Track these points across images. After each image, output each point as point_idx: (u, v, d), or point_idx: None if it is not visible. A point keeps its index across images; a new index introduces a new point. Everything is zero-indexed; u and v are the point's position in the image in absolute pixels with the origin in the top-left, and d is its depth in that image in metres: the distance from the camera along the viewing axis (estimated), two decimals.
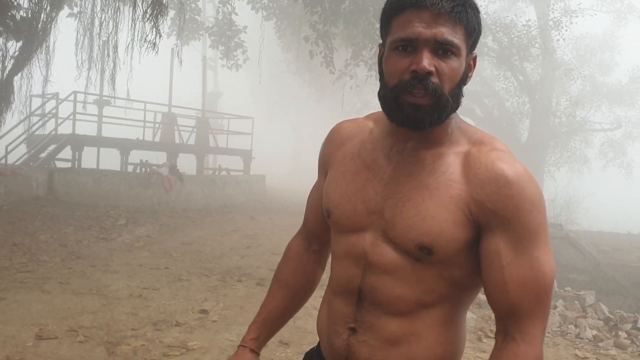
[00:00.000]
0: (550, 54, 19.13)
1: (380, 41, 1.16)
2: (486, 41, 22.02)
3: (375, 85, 21.81)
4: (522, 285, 1.03)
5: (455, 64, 1.05)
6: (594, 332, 6.06)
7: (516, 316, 1.04)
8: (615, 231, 17.24)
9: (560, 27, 18.20)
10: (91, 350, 3.87)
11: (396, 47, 1.06)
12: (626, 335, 6.16)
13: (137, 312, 4.83)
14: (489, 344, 5.20)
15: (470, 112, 24.20)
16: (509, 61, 19.71)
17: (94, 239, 8.20)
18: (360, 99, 24.87)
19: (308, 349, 1.40)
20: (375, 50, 13.75)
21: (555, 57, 20.88)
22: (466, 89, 1.14)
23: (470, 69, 1.11)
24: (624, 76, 26.37)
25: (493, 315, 4.71)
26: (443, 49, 1.04)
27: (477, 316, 5.97)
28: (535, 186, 1.06)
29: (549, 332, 5.80)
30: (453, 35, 1.03)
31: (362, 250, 1.13)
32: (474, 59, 1.12)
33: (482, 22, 1.14)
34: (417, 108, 1.04)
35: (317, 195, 1.36)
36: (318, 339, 1.35)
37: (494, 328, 5.63)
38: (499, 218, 1.04)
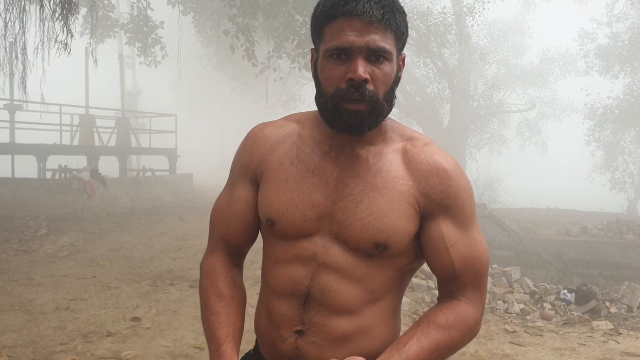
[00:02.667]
0: (465, 39, 19.73)
1: (313, 46, 1.20)
2: None
3: (299, 77, 21.86)
4: (465, 262, 1.15)
5: (388, 69, 1.11)
6: (521, 306, 6.34)
7: (461, 286, 1.17)
8: (535, 207, 18.04)
9: (474, 13, 18.77)
10: None
11: (330, 55, 1.10)
12: (550, 307, 6.48)
13: (66, 326, 4.63)
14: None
15: None
16: (427, 48, 20.17)
17: (14, 251, 7.78)
18: (285, 91, 24.83)
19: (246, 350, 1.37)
20: (298, 41, 13.74)
21: (471, 43, 21.55)
22: None
23: (400, 69, 1.17)
24: (535, 58, 27.55)
25: (425, 298, 4.77)
26: (376, 56, 1.08)
27: (411, 299, 6.10)
28: (466, 175, 1.19)
29: None
30: (384, 41, 1.08)
31: (313, 253, 1.15)
32: (403, 59, 1.19)
33: None
34: (356, 115, 1.09)
35: (238, 207, 1.27)
36: (255, 339, 1.34)
37: (427, 309, 5.81)
38: (442, 207, 1.15)
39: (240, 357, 1.27)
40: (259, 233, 1.32)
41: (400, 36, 1.13)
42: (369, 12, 1.05)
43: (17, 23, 10.46)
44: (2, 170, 13.26)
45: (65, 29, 8.79)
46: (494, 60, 21.74)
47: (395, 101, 1.15)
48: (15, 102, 13.68)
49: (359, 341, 1.15)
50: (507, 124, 26.23)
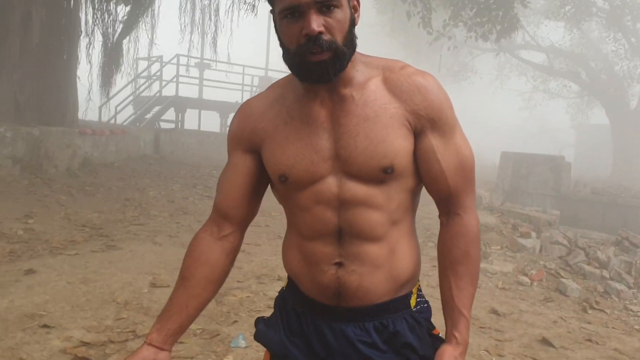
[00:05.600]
0: None
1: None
2: (595, 1, 20.59)
3: (473, 47, 21.10)
4: (455, 169, 1.25)
5: (340, 15, 1.15)
6: None
7: (455, 196, 1.26)
8: None
9: None
10: None
11: (285, 15, 1.16)
12: None
13: (242, 266, 5.02)
14: (594, 315, 5.01)
15: (575, 75, 22.88)
16: (620, 22, 18.34)
17: (199, 196, 8.57)
18: (457, 61, 24.16)
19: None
20: (476, 10, 13.23)
21: None
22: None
23: (355, 10, 1.21)
24: None
25: (598, 287, 4.48)
26: (326, 6, 1.13)
27: (582, 287, 5.74)
28: (443, 88, 1.26)
29: None
30: None
31: (331, 194, 1.22)
32: (358, 0, 1.23)
33: None
34: (320, 64, 1.15)
35: (232, 176, 1.34)
36: (286, 282, 1.43)
37: (599, 299, 5.43)
38: (429, 121, 1.23)
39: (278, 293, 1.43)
40: (258, 209, 1.41)
41: None
42: None
43: None
44: (191, 123, 14.52)
45: None
46: None
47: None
48: (205, 61, 14.83)
49: (390, 263, 1.24)
50: None
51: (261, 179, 1.35)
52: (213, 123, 15.80)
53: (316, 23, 1.12)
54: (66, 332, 3.30)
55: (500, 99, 32.55)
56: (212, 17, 11.32)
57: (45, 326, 3.33)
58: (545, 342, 4.07)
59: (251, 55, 24.81)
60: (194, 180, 9.59)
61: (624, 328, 4.74)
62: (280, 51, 1.21)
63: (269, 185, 1.38)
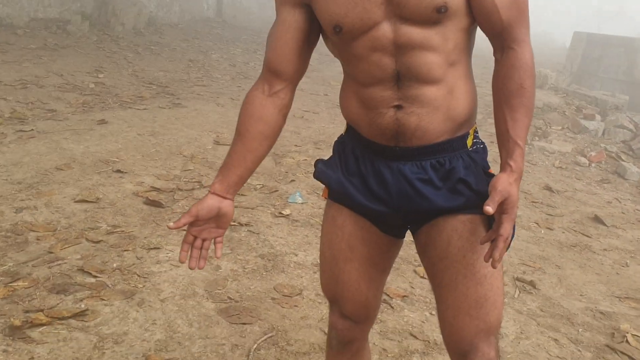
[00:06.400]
0: None
1: None
2: None
3: None
4: (507, 2, 1.22)
5: None
6: None
7: (509, 29, 1.24)
8: None
9: None
10: None
11: None
12: None
13: (300, 132, 5.17)
14: None
15: None
16: None
17: (259, 61, 8.60)
18: None
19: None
20: None
21: None
22: None
23: None
24: None
25: None
26: None
27: None
28: None
29: None
30: None
31: (386, 39, 1.22)
32: None
33: None
34: None
35: (282, 31, 1.34)
36: (345, 128, 1.46)
37: None
38: None
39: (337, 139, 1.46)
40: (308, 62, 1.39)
41: None
42: None
43: None
44: None
45: None
46: None
47: None
48: None
49: (448, 104, 1.26)
50: None
51: (311, 32, 1.35)
52: None
53: None
54: (138, 177, 3.56)
55: None
56: None
57: (118, 171, 3.60)
58: (596, 219, 4.13)
59: None
60: (255, 46, 9.59)
61: None
62: None
63: (322, 38, 1.39)
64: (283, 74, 1.37)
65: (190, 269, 1.32)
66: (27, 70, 5.84)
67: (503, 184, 1.16)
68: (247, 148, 1.37)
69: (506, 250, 1.17)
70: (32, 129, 4.14)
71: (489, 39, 1.30)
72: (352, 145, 1.40)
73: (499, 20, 1.24)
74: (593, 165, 5.70)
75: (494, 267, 1.15)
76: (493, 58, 1.29)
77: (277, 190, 3.69)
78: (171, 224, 1.27)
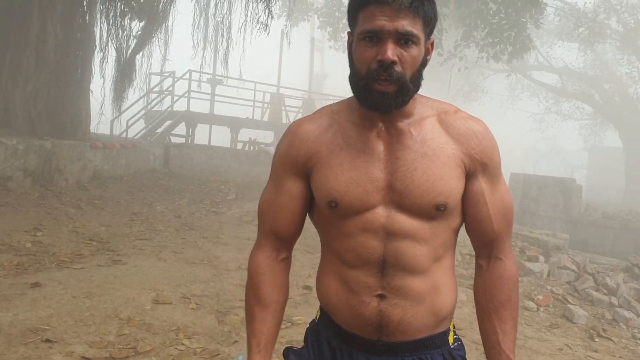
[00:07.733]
0: None
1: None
2: (609, 23, 20.60)
3: (485, 68, 21.11)
4: (500, 214, 1.30)
5: (415, 52, 1.20)
6: None
7: (497, 240, 1.31)
8: None
9: None
10: (202, 317, 4.10)
11: (363, 37, 1.19)
12: None
13: (244, 285, 5.04)
14: (601, 343, 4.98)
15: (588, 97, 22.81)
16: (634, 44, 18.34)
17: (206, 211, 8.62)
18: (467, 81, 24.18)
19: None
20: (488, 30, 13.29)
21: None
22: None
23: (428, 53, 1.26)
24: None
25: (606, 314, 4.46)
26: (404, 39, 1.18)
27: (589, 314, 5.71)
28: (493, 134, 1.33)
29: None
30: (413, 26, 1.17)
31: (379, 224, 1.24)
32: (432, 44, 1.27)
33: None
34: (384, 95, 1.19)
35: (288, 201, 1.35)
36: (317, 314, 1.43)
37: (606, 327, 5.39)
38: (481, 165, 1.28)
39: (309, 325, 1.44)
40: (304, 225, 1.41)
41: (428, 22, 1.21)
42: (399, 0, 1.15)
43: (225, 4, 11.41)
44: (201, 138, 14.62)
45: (267, 10, 9.42)
46: None
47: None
48: (217, 77, 14.96)
49: (432, 298, 1.26)
50: None
51: (310, 198, 1.37)
52: (223, 138, 15.91)
53: (392, 52, 1.16)
54: (68, 347, 3.33)
55: (511, 120, 32.51)
56: (225, 34, 11.47)
57: (47, 341, 3.36)
58: None
59: (263, 73, 25.01)
60: (202, 195, 9.65)
61: (632, 358, 4.70)
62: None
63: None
64: (289, 239, 1.40)
65: None
66: None
67: None
68: (278, 320, 1.37)
69: None
70: None
71: (474, 246, 1.35)
72: (326, 334, 1.36)
73: (491, 231, 1.31)
74: (541, 309, 5.73)
75: None
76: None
77: (219, 354, 3.50)
78: None
